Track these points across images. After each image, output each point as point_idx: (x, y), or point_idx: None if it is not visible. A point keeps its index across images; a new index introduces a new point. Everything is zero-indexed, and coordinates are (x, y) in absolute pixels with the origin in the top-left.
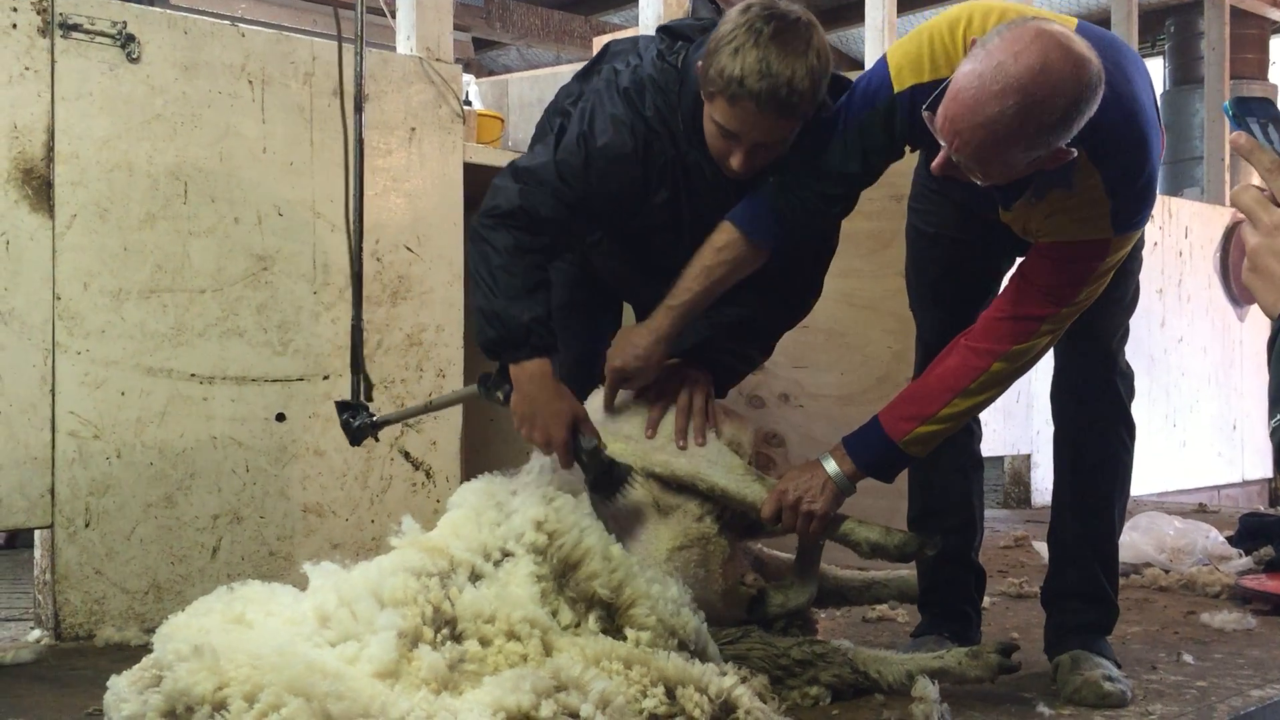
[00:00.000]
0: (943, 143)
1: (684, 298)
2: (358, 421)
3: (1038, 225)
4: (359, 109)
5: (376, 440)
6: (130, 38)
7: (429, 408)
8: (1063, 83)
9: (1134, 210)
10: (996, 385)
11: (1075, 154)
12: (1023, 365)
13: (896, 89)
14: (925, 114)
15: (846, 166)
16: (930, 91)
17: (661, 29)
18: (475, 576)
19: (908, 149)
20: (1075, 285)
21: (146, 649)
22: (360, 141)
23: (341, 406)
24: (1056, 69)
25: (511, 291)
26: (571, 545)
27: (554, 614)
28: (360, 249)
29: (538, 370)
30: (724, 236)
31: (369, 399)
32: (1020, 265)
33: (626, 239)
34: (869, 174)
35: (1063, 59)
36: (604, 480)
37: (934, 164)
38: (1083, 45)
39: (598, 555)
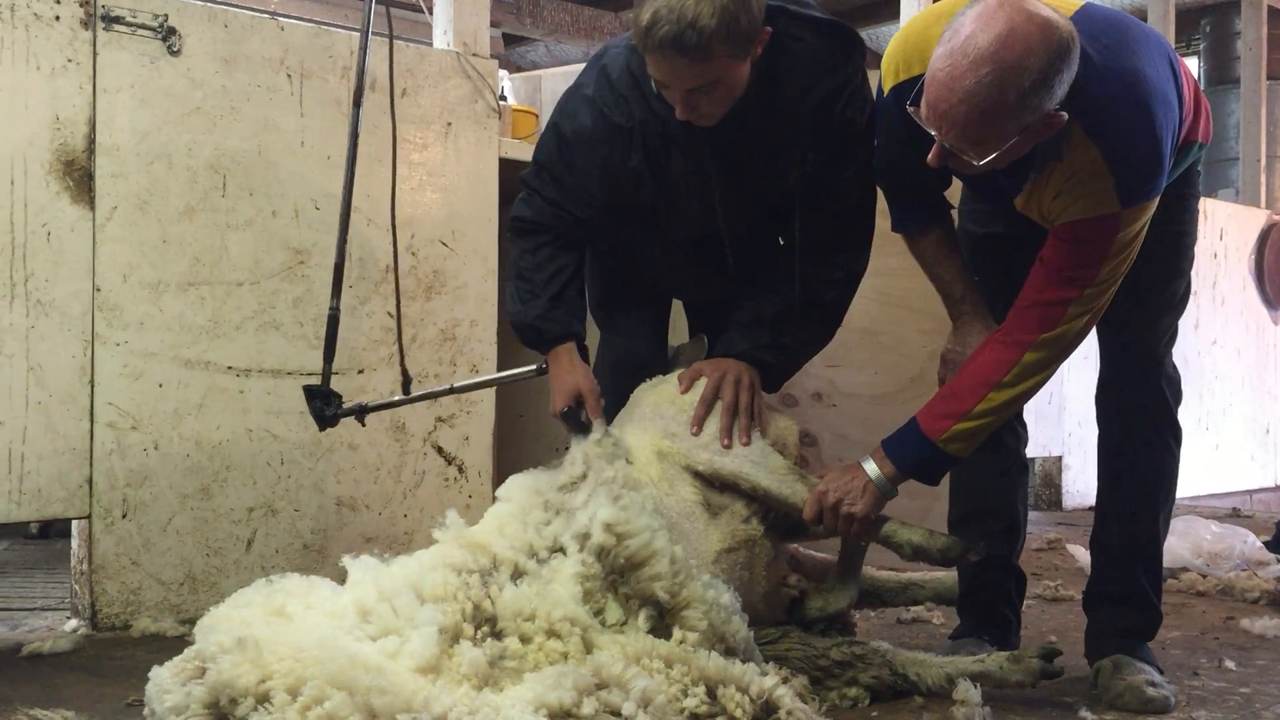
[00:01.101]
0: (932, 132)
1: (957, 286)
2: (330, 410)
3: (1049, 207)
4: (357, 103)
5: (363, 424)
6: (171, 30)
7: (450, 389)
8: (1032, 43)
9: (1139, 182)
10: (1032, 376)
11: (1065, 117)
12: (1058, 353)
13: (885, 90)
14: (910, 109)
15: (900, 165)
16: (910, 88)
17: None
18: (517, 574)
19: None
20: (1093, 265)
21: (182, 640)
22: (355, 135)
23: (310, 393)
24: (1023, 30)
25: (526, 295)
26: (639, 546)
27: (600, 612)
28: (345, 238)
29: (554, 354)
30: (912, 247)
31: (406, 392)
32: (1040, 253)
33: (639, 218)
34: (910, 166)
35: (1027, 21)
36: None
37: (929, 156)
38: (1049, 11)
39: (665, 558)
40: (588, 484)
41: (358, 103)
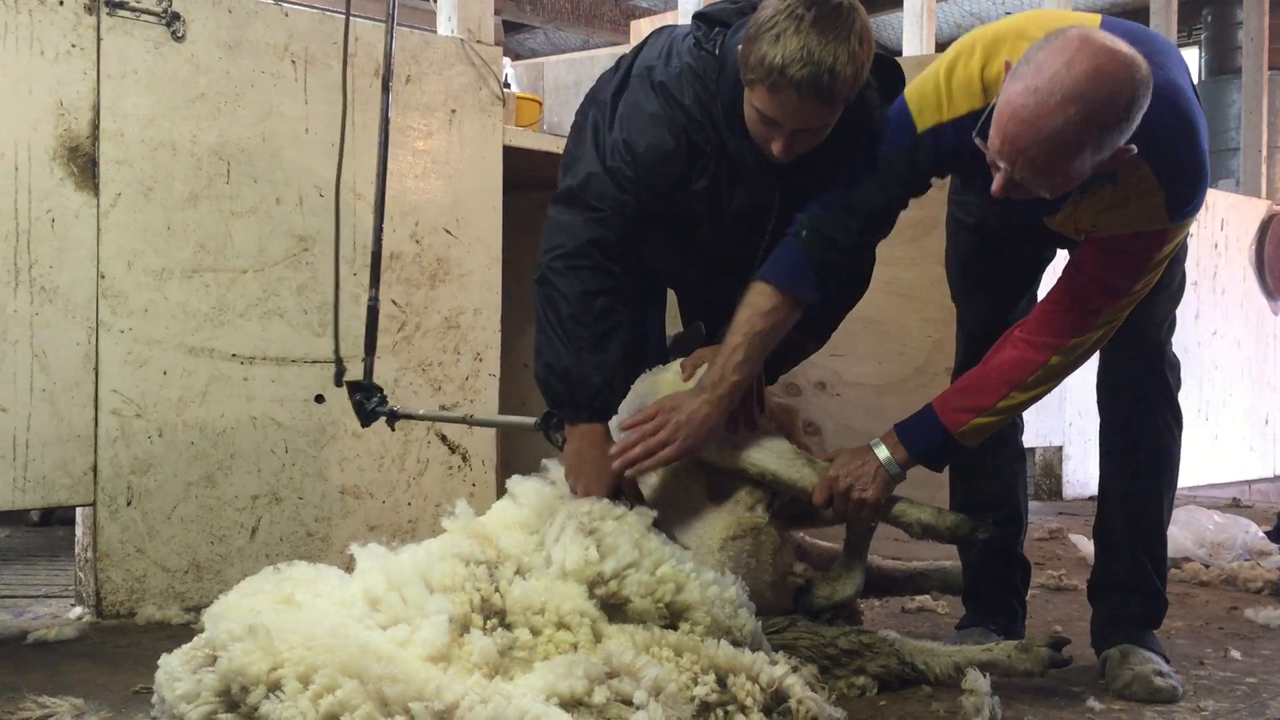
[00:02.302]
0: (1001, 164)
1: (742, 368)
2: (371, 405)
3: (1090, 222)
4: (386, 87)
5: (392, 429)
6: (175, 15)
7: (469, 419)
8: (1119, 83)
9: (1188, 197)
10: (1053, 378)
11: (1134, 149)
12: (1078, 358)
13: (919, 129)
14: (977, 140)
15: (874, 203)
16: (952, 129)
17: (698, 16)
18: (523, 570)
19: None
20: (1132, 277)
21: (188, 627)
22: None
23: (354, 387)
24: (1110, 70)
25: (581, 343)
26: (615, 588)
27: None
28: (381, 227)
29: (591, 431)
30: (767, 299)
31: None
32: (1074, 257)
33: (671, 227)
34: (894, 207)
35: (1113, 59)
36: None
37: (994, 187)
38: (1125, 45)
39: (646, 598)
40: (559, 518)
41: (386, 87)
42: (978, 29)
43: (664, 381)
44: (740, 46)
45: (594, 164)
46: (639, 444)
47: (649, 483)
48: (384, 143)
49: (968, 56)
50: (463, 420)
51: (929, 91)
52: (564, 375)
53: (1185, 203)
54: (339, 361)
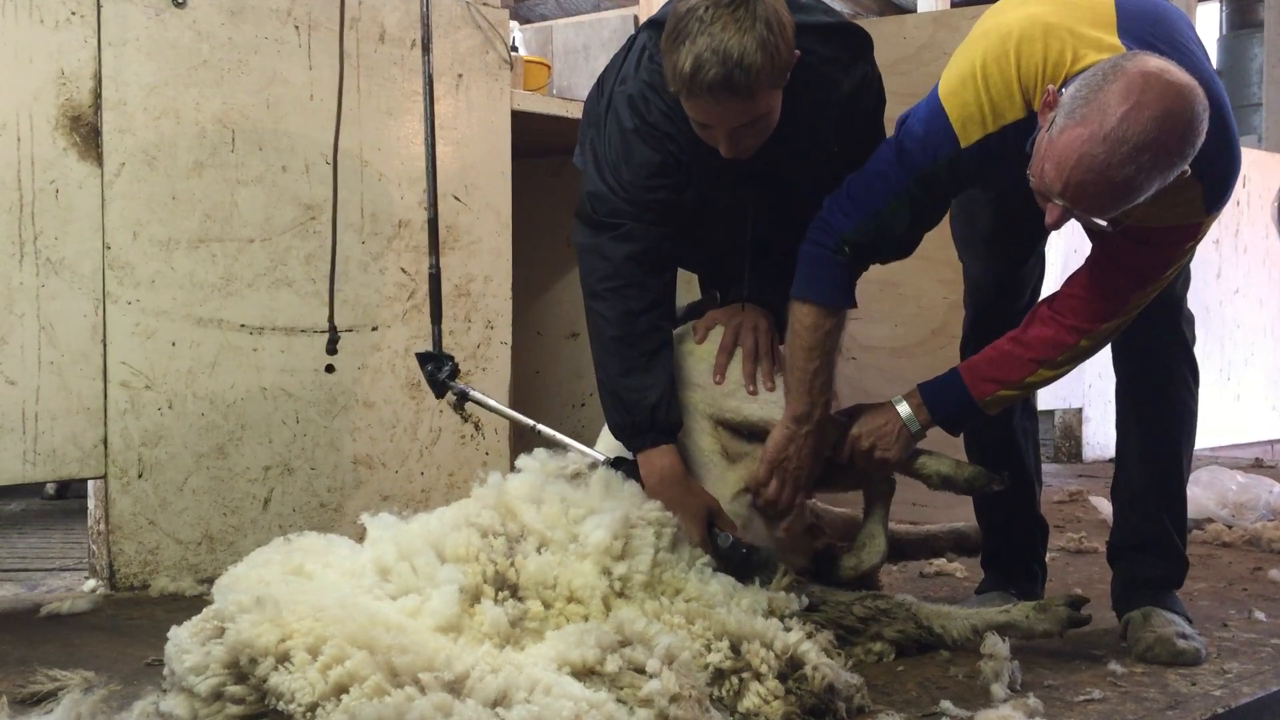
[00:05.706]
0: (1059, 202)
1: (827, 388)
2: (443, 375)
3: (1133, 216)
4: (426, 48)
5: (463, 410)
6: None
7: (535, 429)
8: (1186, 120)
9: (1224, 186)
10: (1078, 358)
11: (1190, 171)
12: (1104, 340)
13: (964, 144)
14: (1030, 178)
15: (908, 221)
16: (997, 140)
17: (649, 23)
18: (543, 545)
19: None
20: (1165, 265)
21: (201, 599)
22: (431, 81)
23: (424, 358)
24: (1177, 110)
25: (630, 364)
26: (620, 587)
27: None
28: (436, 195)
29: (668, 469)
30: (815, 318)
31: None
32: (1105, 245)
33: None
34: (934, 215)
35: (1177, 97)
36: (744, 570)
37: (1049, 220)
38: (1179, 72)
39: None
40: (621, 507)
41: (426, 48)
42: (992, 21)
43: (683, 352)
44: (662, 59)
45: (595, 182)
46: (771, 506)
47: None
48: (430, 108)
49: (1002, 61)
50: (532, 428)
51: (970, 102)
52: (618, 400)
53: (1220, 194)
54: (332, 329)
